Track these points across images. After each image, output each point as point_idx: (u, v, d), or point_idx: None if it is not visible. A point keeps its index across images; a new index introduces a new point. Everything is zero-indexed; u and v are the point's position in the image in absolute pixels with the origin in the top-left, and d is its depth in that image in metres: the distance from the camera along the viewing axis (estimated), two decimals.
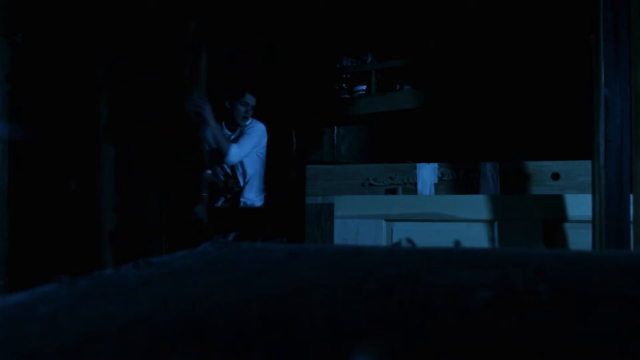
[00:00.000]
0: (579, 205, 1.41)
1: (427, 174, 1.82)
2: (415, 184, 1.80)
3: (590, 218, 1.24)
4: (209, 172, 2.17)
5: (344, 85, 2.61)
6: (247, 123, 2.21)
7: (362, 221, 1.53)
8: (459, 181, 1.79)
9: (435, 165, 1.83)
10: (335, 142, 2.70)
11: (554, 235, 1.42)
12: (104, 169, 2.54)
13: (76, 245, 2.39)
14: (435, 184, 1.80)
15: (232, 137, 2.22)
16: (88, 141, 2.51)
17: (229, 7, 2.52)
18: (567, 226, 1.43)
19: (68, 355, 0.23)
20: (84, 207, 2.47)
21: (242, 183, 2.23)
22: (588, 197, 1.27)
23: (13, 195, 2.18)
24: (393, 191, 1.81)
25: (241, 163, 2.20)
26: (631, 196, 1.15)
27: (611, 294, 0.29)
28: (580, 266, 0.37)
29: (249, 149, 2.17)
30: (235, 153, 2.13)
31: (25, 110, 2.25)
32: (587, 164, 1.39)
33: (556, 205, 1.44)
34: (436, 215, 1.50)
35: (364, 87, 2.56)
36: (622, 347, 0.22)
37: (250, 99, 2.20)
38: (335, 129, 2.69)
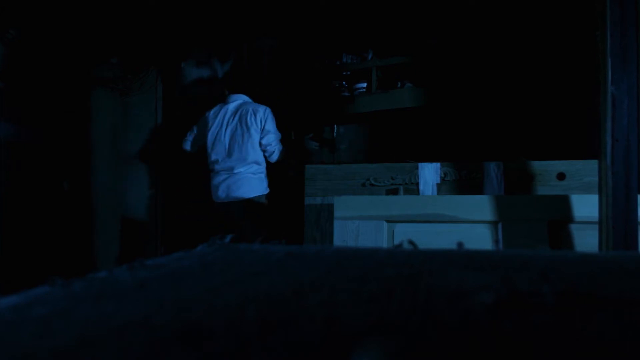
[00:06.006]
0: (585, 206, 1.39)
1: (429, 174, 1.80)
2: (417, 184, 1.78)
3: (596, 219, 1.22)
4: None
5: (343, 82, 2.59)
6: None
7: (363, 222, 1.51)
8: (462, 181, 1.77)
9: (438, 165, 1.82)
10: (335, 141, 2.69)
11: (560, 236, 1.40)
12: (98, 169, 2.50)
13: (70, 246, 2.36)
14: (437, 184, 1.79)
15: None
16: (83, 141, 2.47)
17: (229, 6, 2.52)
18: (573, 227, 1.40)
19: (63, 359, 0.22)
20: (77, 207, 2.44)
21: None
22: (594, 198, 1.25)
23: (4, 196, 2.13)
24: (394, 191, 1.80)
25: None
26: (639, 196, 1.14)
27: (614, 297, 0.28)
28: (585, 268, 0.36)
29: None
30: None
31: (18, 109, 2.19)
32: (593, 164, 1.37)
33: (562, 205, 1.42)
34: (438, 216, 1.48)
35: (364, 84, 2.53)
36: (623, 349, 0.21)
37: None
38: (335, 128, 2.68)
